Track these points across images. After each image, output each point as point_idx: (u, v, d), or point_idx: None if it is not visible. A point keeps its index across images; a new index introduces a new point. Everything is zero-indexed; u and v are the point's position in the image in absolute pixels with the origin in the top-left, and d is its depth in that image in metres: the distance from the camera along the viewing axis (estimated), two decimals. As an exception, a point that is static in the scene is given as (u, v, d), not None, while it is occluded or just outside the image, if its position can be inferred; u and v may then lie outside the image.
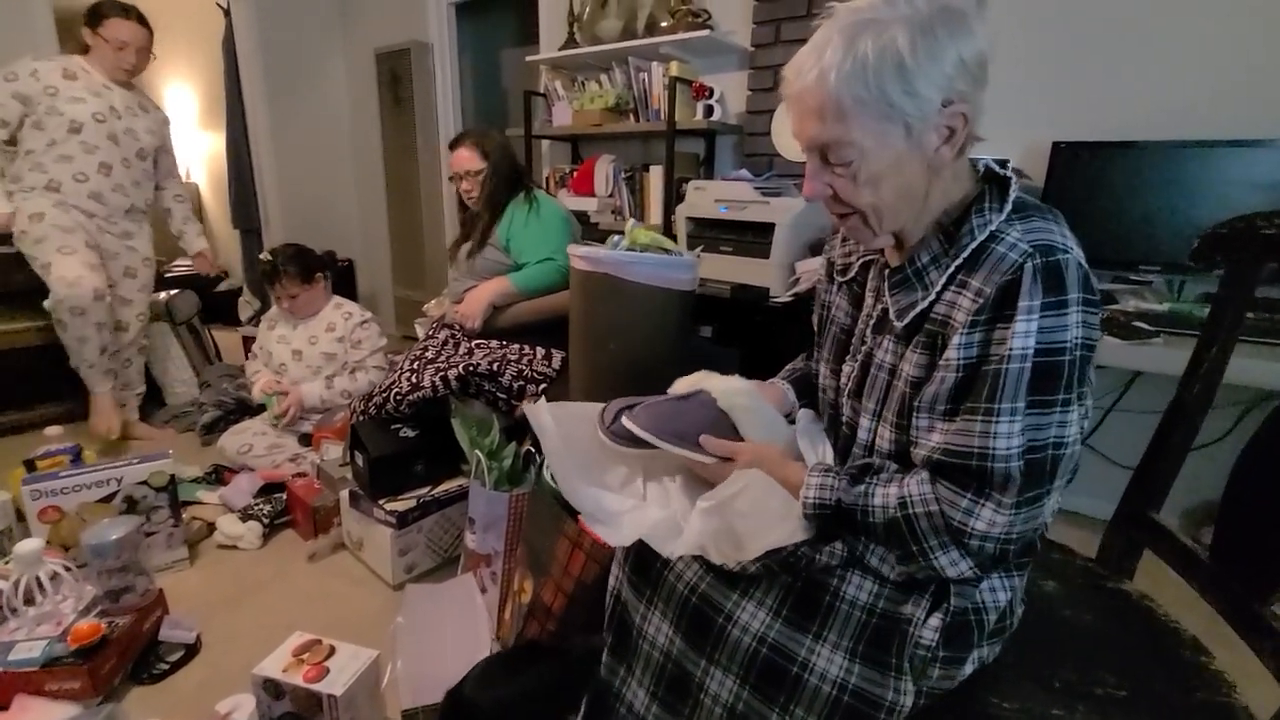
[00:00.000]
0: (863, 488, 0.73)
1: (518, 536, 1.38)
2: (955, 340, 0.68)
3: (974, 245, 0.70)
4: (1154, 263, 1.67)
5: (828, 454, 0.90)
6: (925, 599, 0.74)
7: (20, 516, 1.61)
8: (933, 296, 0.73)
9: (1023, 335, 0.64)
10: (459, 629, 1.14)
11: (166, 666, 1.29)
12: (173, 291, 2.75)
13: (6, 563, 1.31)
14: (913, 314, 0.75)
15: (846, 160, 0.70)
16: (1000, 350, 0.65)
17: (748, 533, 0.78)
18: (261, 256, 2.22)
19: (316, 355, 2.17)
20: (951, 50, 0.64)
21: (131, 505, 1.53)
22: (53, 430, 1.87)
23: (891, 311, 0.78)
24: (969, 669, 0.77)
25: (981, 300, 0.66)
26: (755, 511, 0.79)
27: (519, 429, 1.63)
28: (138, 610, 1.30)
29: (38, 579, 1.25)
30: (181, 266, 4.20)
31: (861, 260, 0.88)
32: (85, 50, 2.11)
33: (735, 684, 0.77)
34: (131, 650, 1.27)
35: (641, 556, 0.86)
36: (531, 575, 1.23)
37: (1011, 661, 0.81)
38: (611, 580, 0.89)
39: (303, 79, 3.84)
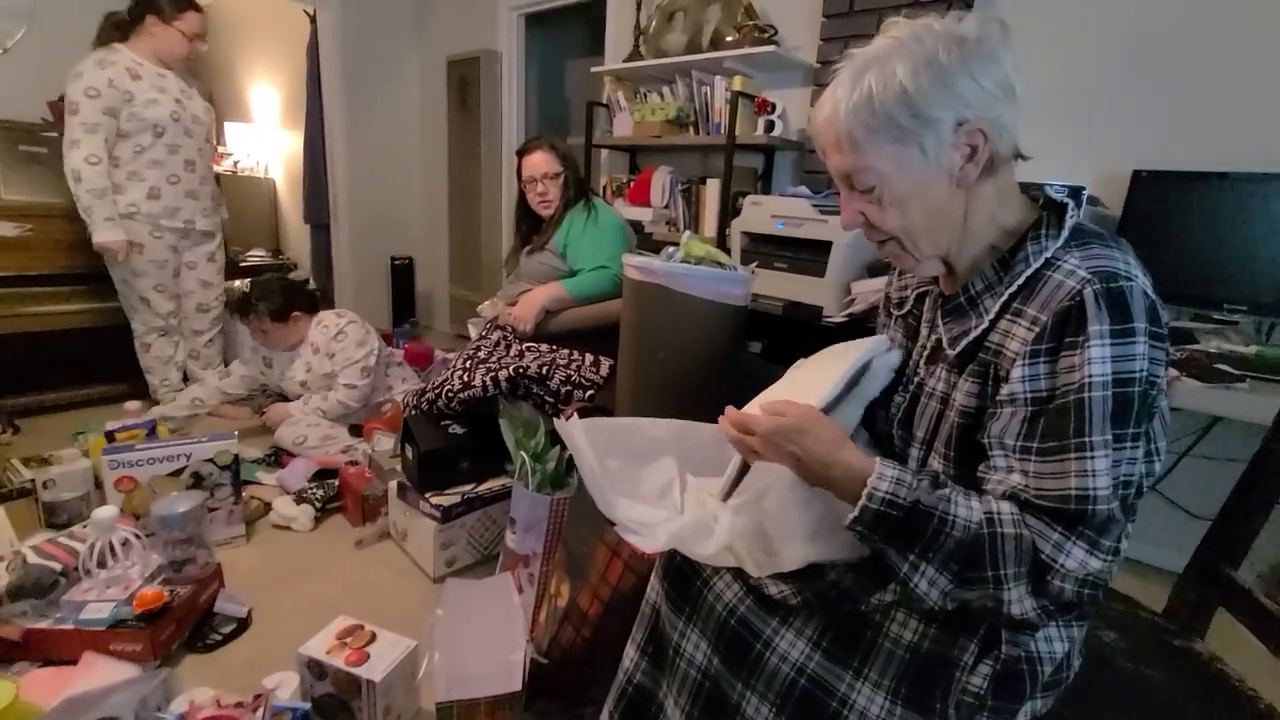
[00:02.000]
0: (946, 492, 0.66)
1: (557, 539, 1.40)
2: (1017, 373, 0.66)
3: (1029, 273, 0.68)
4: (1240, 302, 1.57)
5: None
6: (974, 643, 0.71)
7: (98, 484, 1.72)
8: (985, 324, 0.71)
9: (1100, 361, 0.61)
10: (496, 627, 1.16)
11: (219, 638, 1.35)
12: (247, 280, 2.90)
13: (84, 526, 1.41)
14: (965, 341, 0.73)
15: (869, 186, 0.72)
16: (1075, 378, 0.62)
17: (779, 536, 0.76)
18: (237, 284, 2.28)
19: (319, 379, 2.22)
20: (960, 74, 0.66)
21: (198, 481, 1.62)
22: (132, 405, 2.00)
23: (944, 340, 0.76)
24: (1021, 720, 0.74)
25: (1038, 329, 0.65)
26: (784, 514, 0.76)
27: (564, 433, 1.65)
28: (197, 581, 1.37)
29: (110, 544, 1.33)
30: (255, 256, 4.43)
31: (916, 292, 0.87)
32: (123, 38, 2.11)
33: (772, 712, 0.76)
34: (189, 619, 1.34)
35: (681, 573, 0.85)
36: (569, 579, 1.24)
37: (1065, 713, 0.77)
38: (650, 592, 0.89)
39: (379, 84, 4.01)
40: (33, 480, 1.63)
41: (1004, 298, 0.70)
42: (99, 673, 1.19)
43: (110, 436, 1.80)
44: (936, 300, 0.81)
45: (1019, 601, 0.62)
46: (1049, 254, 0.68)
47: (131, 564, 1.34)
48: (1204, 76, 1.69)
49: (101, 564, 1.33)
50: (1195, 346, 1.50)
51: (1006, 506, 0.64)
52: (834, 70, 0.72)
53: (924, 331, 0.83)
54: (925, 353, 0.81)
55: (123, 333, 2.42)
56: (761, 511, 0.78)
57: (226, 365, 2.72)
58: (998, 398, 0.68)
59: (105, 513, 1.34)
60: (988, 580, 0.63)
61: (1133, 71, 1.78)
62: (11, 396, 2.42)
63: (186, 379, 2.54)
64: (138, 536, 1.37)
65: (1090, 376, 0.61)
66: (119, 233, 2.11)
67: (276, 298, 2.15)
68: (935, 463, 0.76)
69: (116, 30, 2.14)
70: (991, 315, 0.71)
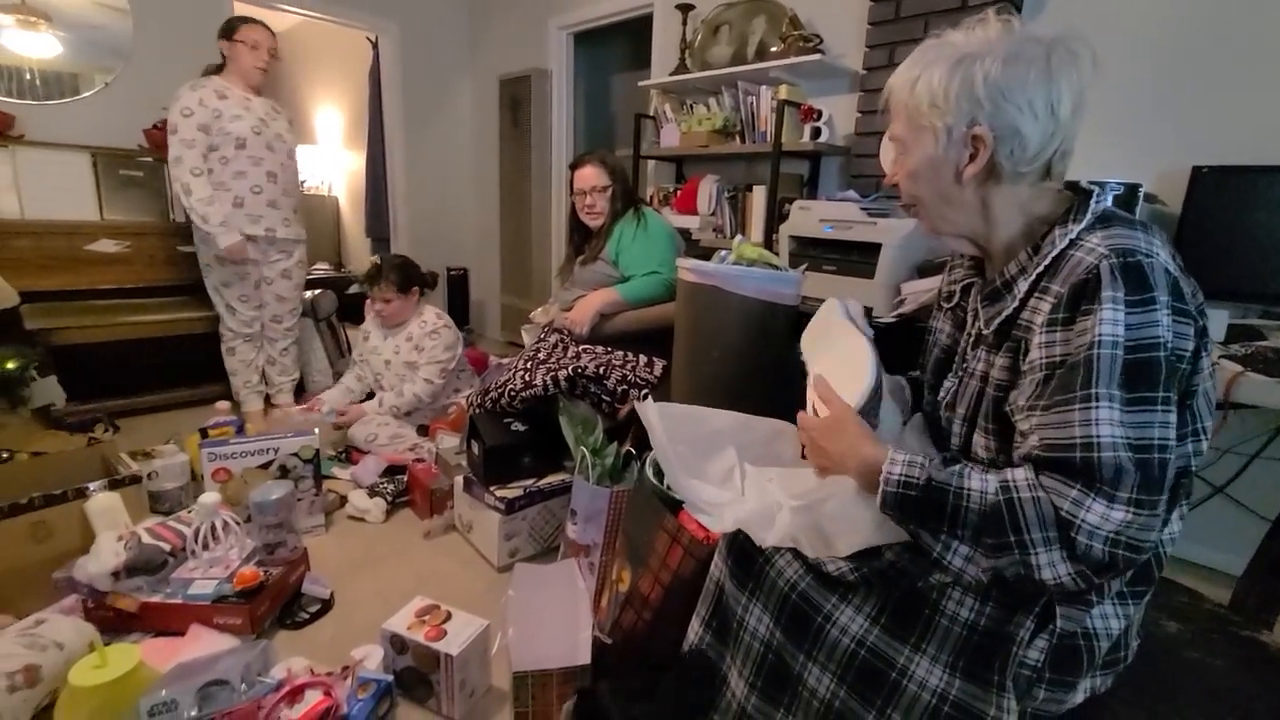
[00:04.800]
0: (958, 468, 0.71)
1: (616, 530, 1.46)
2: (1036, 340, 0.71)
3: (1054, 253, 0.73)
4: (1312, 298, 1.53)
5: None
6: (1030, 619, 0.74)
7: (194, 476, 1.88)
8: (1016, 304, 0.76)
9: (1110, 323, 0.64)
10: (563, 608, 1.23)
11: (307, 616, 1.46)
12: (316, 291, 3.09)
13: (190, 511, 1.54)
14: (998, 321, 0.79)
15: (899, 151, 0.83)
16: (1085, 339, 0.65)
17: (837, 534, 0.81)
18: (372, 259, 2.46)
19: (401, 364, 2.39)
20: (990, 87, 0.72)
21: (284, 473, 1.75)
22: (222, 404, 2.17)
23: (982, 321, 0.82)
24: (1080, 696, 0.76)
25: (1057, 300, 0.70)
26: (844, 518, 0.82)
27: (619, 429, 1.72)
28: (287, 564, 1.49)
29: (212, 527, 1.46)
30: (320, 269, 4.69)
31: (963, 285, 0.92)
32: (220, 69, 2.38)
33: (833, 682, 0.80)
34: (281, 597, 1.46)
35: (744, 550, 0.90)
36: (630, 566, 1.30)
37: (1127, 696, 0.79)
38: (714, 569, 0.94)
39: (436, 104, 4.22)
40: (139, 471, 1.78)
41: (1033, 277, 0.75)
42: (204, 642, 1.31)
43: (204, 433, 1.96)
44: (980, 289, 0.86)
45: (1050, 566, 0.64)
46: (1073, 235, 0.72)
47: (231, 546, 1.47)
48: (1264, 69, 1.66)
49: (205, 546, 1.46)
50: (1263, 343, 1.47)
51: (1021, 474, 0.67)
52: (918, 45, 0.81)
53: (969, 320, 0.88)
54: (971, 340, 0.86)
55: (209, 340, 2.62)
56: (822, 514, 0.83)
57: (302, 373, 2.90)
58: (1022, 368, 0.73)
59: (209, 499, 1.48)
60: (1012, 546, 0.66)
61: (1190, 66, 1.76)
62: (112, 398, 2.65)
63: (266, 381, 2.72)
64: (236, 521, 1.50)
65: (1100, 336, 0.64)
66: (235, 235, 2.32)
67: (402, 270, 2.34)
68: (980, 439, 0.80)
69: (216, 71, 2.40)
70: (1022, 295, 0.76)
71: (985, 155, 0.75)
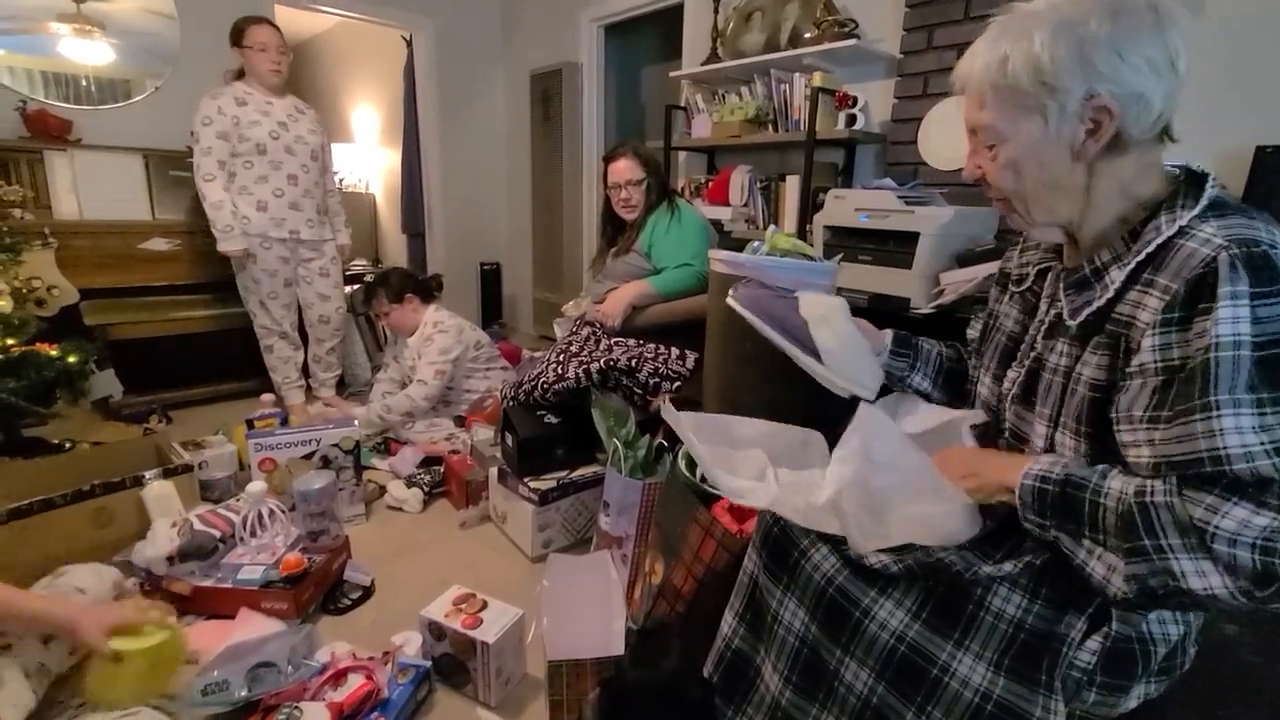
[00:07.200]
0: (1102, 467, 0.68)
1: (649, 522, 1.46)
2: (1147, 343, 0.65)
3: (1159, 241, 0.68)
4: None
5: None
6: (1082, 619, 0.72)
7: (242, 466, 1.94)
8: (1110, 294, 0.71)
9: (1229, 322, 0.59)
10: (597, 599, 1.24)
11: (349, 602, 1.51)
12: (353, 287, 3.16)
13: (238, 500, 1.60)
14: (1087, 312, 0.73)
15: (989, 143, 0.75)
16: (1203, 342, 0.61)
17: (885, 489, 0.77)
18: (365, 279, 2.51)
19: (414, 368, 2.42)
20: (1103, 46, 0.65)
21: (326, 463, 1.80)
22: (267, 397, 2.25)
23: (1065, 311, 0.77)
24: (1133, 703, 0.74)
25: (1169, 298, 0.64)
26: (891, 464, 0.78)
27: (652, 422, 1.72)
28: (330, 551, 1.54)
29: (259, 515, 1.52)
30: (357, 265, 4.79)
31: (1038, 269, 0.87)
32: (241, 75, 2.40)
33: (871, 677, 0.78)
34: (324, 584, 1.51)
35: (778, 544, 0.90)
36: (662, 558, 1.31)
37: (1180, 698, 0.76)
38: (747, 562, 0.93)
39: (468, 99, 4.26)
40: (190, 460, 1.86)
41: (1131, 267, 0.69)
42: (253, 625, 1.36)
43: (250, 424, 2.03)
44: (1059, 275, 0.81)
45: (1199, 575, 0.59)
46: (1183, 223, 0.67)
47: (277, 533, 1.52)
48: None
49: (253, 533, 1.51)
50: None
51: (1160, 483, 0.63)
52: (988, 21, 0.74)
53: (1043, 307, 0.84)
54: (1043, 328, 0.82)
55: (254, 335, 2.71)
56: (869, 464, 0.78)
57: (343, 373, 2.97)
58: (1128, 370, 0.68)
59: (256, 487, 1.53)
60: (1149, 551, 0.61)
61: (1254, 36, 1.66)
62: (164, 391, 2.76)
63: (308, 374, 2.80)
64: (281, 510, 1.55)
65: (1218, 338, 0.60)
66: (237, 242, 2.38)
67: (393, 282, 2.46)
68: (1067, 440, 0.76)
69: (239, 76, 2.45)
70: (1116, 286, 0.70)
71: (1112, 126, 0.67)
